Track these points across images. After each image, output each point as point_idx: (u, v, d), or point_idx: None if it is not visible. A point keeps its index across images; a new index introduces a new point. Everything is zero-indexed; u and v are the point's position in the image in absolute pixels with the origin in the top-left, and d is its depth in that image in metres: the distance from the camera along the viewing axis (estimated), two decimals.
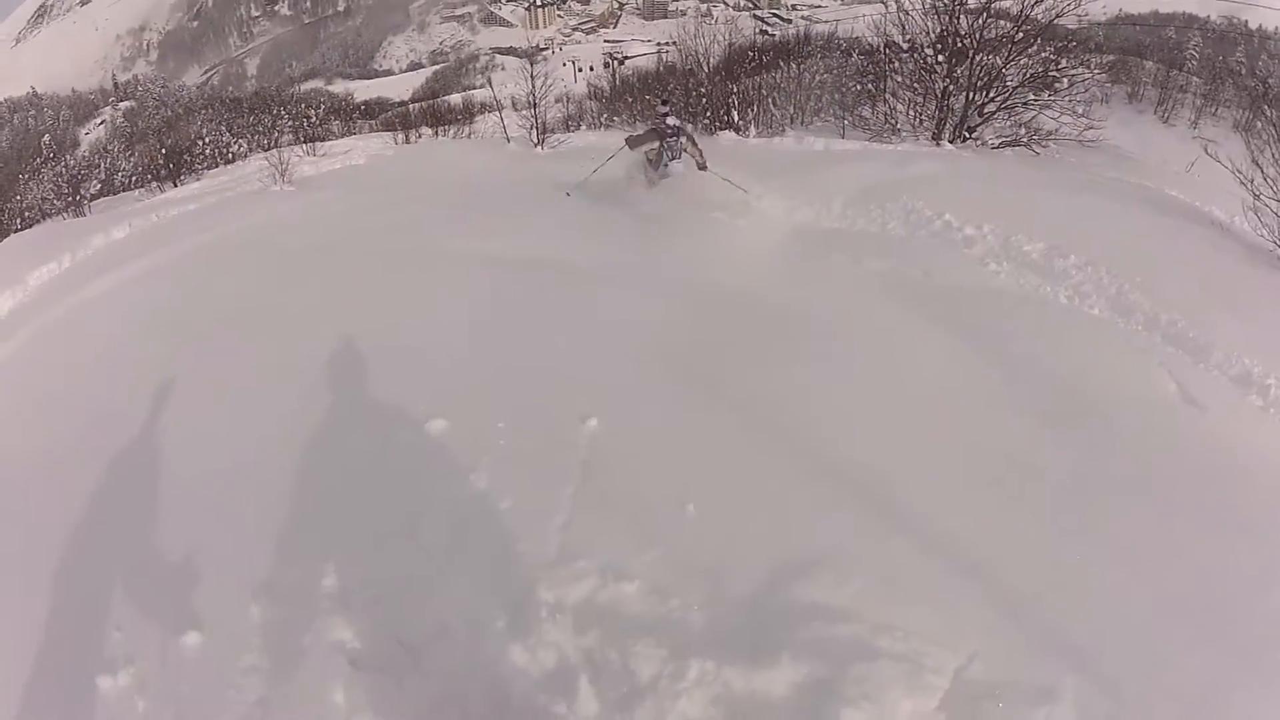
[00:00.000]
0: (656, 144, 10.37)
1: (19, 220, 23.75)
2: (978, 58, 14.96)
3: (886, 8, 16.66)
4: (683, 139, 10.39)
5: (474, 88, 75.99)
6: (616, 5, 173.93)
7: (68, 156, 31.17)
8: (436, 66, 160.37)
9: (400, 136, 28.17)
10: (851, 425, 4.87)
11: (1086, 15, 15.93)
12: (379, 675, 3.46)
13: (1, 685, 3.74)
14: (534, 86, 19.67)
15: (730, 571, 3.71)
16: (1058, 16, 14.74)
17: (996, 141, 14.94)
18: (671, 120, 10.37)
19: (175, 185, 22.02)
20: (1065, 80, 15.26)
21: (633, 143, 10.65)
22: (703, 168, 10.51)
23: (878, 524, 3.97)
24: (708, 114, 18.96)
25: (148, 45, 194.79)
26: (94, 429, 6.16)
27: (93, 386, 7.18)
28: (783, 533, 3.95)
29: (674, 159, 10.36)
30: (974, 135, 15.23)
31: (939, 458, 4.53)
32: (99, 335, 8.69)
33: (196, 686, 3.51)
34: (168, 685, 3.53)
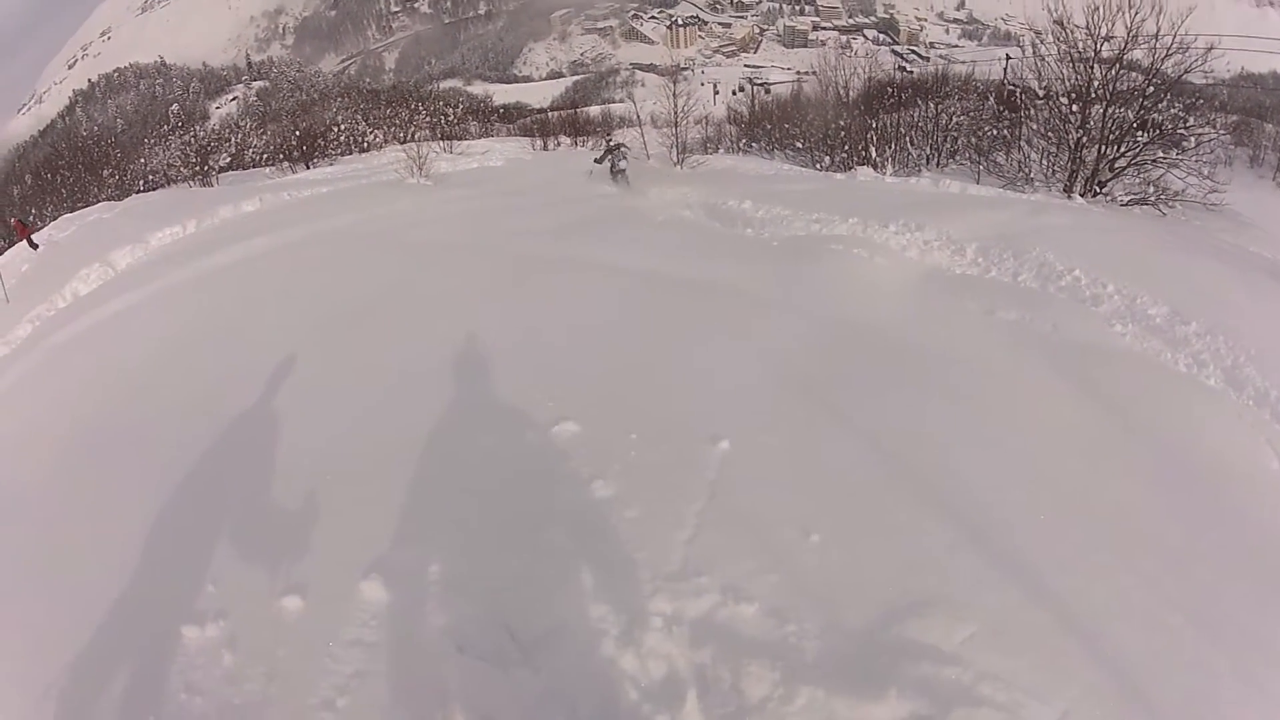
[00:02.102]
0: (610, 156, 17.54)
1: (142, 182, 24.81)
2: (1110, 110, 14.75)
3: (1023, 53, 16.46)
4: (624, 159, 17.46)
5: (614, 101, 77.33)
6: (758, 31, 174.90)
7: (197, 127, 32.66)
8: (577, 77, 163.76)
9: (539, 143, 28.82)
10: (974, 470, 4.85)
11: (1213, 72, 15.66)
12: (485, 664, 3.52)
13: (77, 621, 3.92)
14: (675, 105, 19.60)
15: (848, 602, 3.74)
16: (1186, 71, 14.52)
17: (1126, 198, 14.66)
18: (621, 146, 18.16)
19: (307, 167, 22.76)
20: (1193, 139, 14.98)
21: (600, 160, 17.77)
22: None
23: (993, 572, 3.95)
24: (845, 147, 18.69)
25: (283, 29, 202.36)
26: (212, 391, 6.44)
27: (213, 349, 7.53)
28: (902, 569, 3.96)
29: (621, 166, 17.19)
30: (1104, 190, 14.98)
31: (1057, 514, 4.49)
32: (224, 301, 9.12)
33: (292, 650, 3.62)
34: (261, 645, 3.65)
